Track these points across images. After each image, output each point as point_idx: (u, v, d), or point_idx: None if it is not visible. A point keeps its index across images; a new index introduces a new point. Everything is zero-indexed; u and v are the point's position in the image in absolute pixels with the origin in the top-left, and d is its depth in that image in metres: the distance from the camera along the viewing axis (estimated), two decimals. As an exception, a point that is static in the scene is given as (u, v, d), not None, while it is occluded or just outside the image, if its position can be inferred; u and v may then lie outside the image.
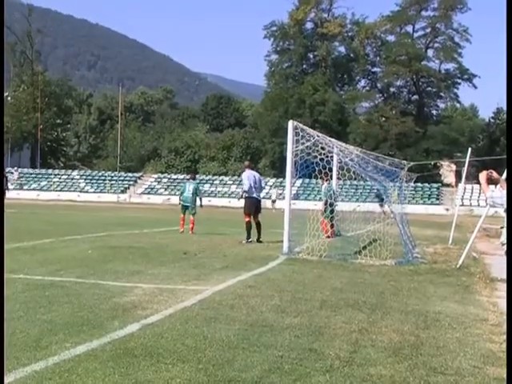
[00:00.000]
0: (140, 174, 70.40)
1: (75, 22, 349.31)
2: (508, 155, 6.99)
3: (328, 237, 17.97)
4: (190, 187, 21.18)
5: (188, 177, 27.12)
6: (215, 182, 66.47)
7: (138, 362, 5.40)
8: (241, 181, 20.27)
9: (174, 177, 68.62)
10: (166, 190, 63.93)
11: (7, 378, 4.85)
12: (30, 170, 64.13)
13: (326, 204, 19.12)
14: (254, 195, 17.85)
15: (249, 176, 17.94)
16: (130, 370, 5.19)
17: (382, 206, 33.13)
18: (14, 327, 6.50)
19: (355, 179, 18.53)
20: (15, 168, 61.83)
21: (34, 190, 59.56)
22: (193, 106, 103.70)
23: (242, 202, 18.54)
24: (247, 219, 17.75)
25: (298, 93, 79.85)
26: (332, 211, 19.16)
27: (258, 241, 17.46)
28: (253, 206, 17.88)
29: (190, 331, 6.58)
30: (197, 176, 31.60)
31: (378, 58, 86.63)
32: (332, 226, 19.45)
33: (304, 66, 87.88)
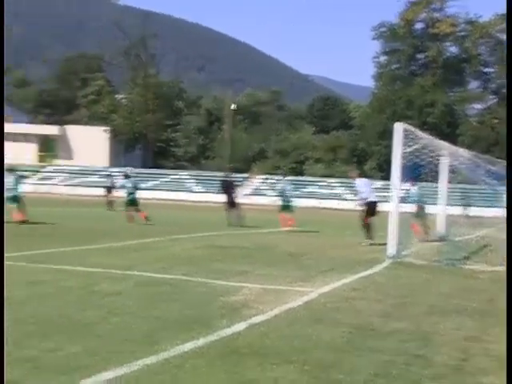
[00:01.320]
0: (247, 174, 71.21)
1: (187, 25, 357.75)
2: (508, 154, 6.69)
3: (425, 240, 18.37)
4: (286, 187, 22.43)
5: (284, 177, 28.60)
6: (321, 184, 66.30)
7: (244, 361, 5.47)
8: (353, 187, 20.54)
9: (283, 178, 68.88)
10: (272, 191, 64.36)
11: (119, 371, 5.04)
12: (142, 170, 66.14)
13: (418, 207, 19.58)
14: (373, 199, 17.86)
15: (364, 183, 18.12)
16: (237, 368, 5.26)
17: (465, 209, 33.35)
18: (127, 322, 6.73)
19: (465, 183, 18.14)
20: (128, 168, 63.94)
21: (145, 189, 61.38)
22: (300, 107, 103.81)
23: (350, 205, 18.64)
24: (366, 221, 17.75)
25: (407, 94, 78.42)
26: (423, 214, 19.60)
27: (367, 242, 17.35)
28: (372, 210, 17.87)
29: (295, 332, 6.60)
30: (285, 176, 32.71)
31: (492, 58, 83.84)
32: (425, 228, 19.64)
33: (413, 67, 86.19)
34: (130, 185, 24.41)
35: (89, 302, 7.76)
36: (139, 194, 24.35)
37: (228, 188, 24.22)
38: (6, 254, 11.65)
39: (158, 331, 6.42)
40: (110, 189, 33.80)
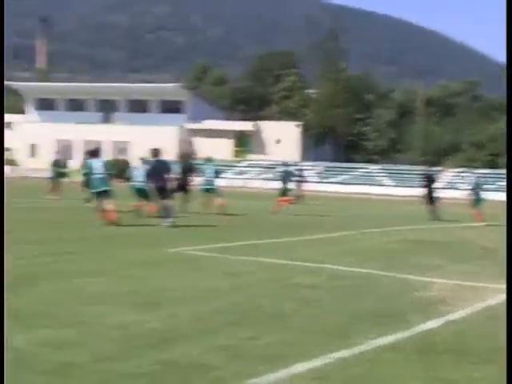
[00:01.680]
0: (440, 167, 69.12)
1: (379, 18, 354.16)
2: (508, 152, 5.75)
3: None
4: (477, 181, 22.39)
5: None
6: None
7: (441, 359, 5.33)
8: None
9: (474, 171, 66.28)
10: (464, 184, 62.02)
11: (314, 363, 5.11)
12: (332, 164, 66.47)
13: None
14: None
15: None
16: (433, 365, 5.14)
17: None
18: (321, 315, 6.81)
19: None
20: (318, 162, 64.55)
21: (335, 183, 61.66)
22: (496, 97, 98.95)
23: None
24: None
25: None
26: None
27: None
28: None
29: (495, 331, 6.31)
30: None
31: None
32: None
33: None
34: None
35: (284, 294, 7.94)
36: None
37: (429, 182, 24.16)
38: (202, 246, 12.25)
39: (351, 325, 6.43)
40: (299, 182, 34.10)
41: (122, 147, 66.68)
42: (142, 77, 73.18)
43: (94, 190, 16.44)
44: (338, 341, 5.78)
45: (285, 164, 27.10)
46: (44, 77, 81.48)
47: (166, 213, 16.40)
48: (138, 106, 72.16)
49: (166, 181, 16.60)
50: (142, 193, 18.55)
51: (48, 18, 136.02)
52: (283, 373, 4.82)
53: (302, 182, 34.55)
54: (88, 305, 6.81)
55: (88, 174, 16.71)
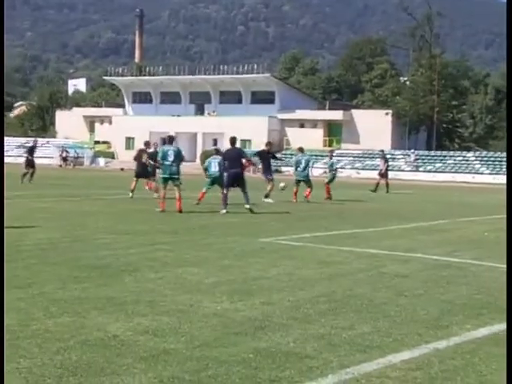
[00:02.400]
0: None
1: (476, 0, 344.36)
2: (508, 151, 5.09)
3: None
4: None
5: None
6: None
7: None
8: None
9: None
10: None
11: (410, 354, 5.05)
12: (426, 152, 65.16)
13: None
14: None
15: None
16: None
17: None
18: (415, 305, 6.72)
19: None
20: (412, 150, 63.44)
21: (429, 171, 60.47)
22: None
23: None
24: None
25: None
26: None
27: None
28: None
29: None
30: None
31: None
32: None
33: None
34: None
35: (378, 283, 7.88)
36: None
37: None
38: (295, 236, 12.28)
39: (447, 315, 6.32)
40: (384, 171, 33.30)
41: (214, 138, 67.54)
42: (233, 68, 73.55)
43: (161, 176, 17.09)
44: (434, 331, 5.69)
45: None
46: (140, 71, 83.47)
47: (224, 201, 16.76)
48: (230, 98, 72.89)
49: (241, 168, 17.02)
50: (216, 181, 18.87)
51: (143, 13, 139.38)
52: (378, 363, 4.80)
53: (385, 170, 33.48)
54: (184, 293, 6.96)
55: (159, 160, 17.27)
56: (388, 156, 63.87)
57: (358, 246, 11.07)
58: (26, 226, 12.54)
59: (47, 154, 72.28)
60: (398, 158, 63.77)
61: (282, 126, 69.80)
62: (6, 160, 65.47)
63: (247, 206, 16.85)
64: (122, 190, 23.02)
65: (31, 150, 28.41)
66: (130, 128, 70.25)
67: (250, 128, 65.41)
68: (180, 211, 16.21)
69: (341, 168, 61.25)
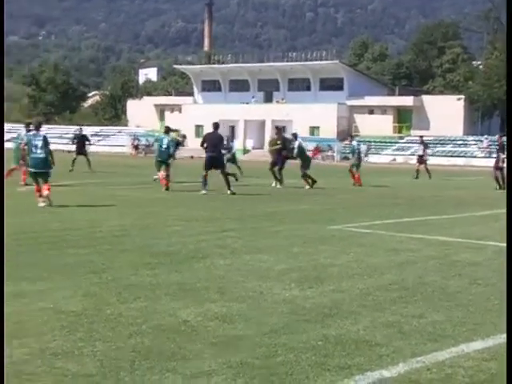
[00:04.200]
0: None
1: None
2: (508, 150, 4.60)
3: None
4: None
5: None
6: None
7: None
8: None
9: None
10: None
11: (484, 343, 4.95)
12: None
13: None
14: None
15: None
16: None
17: None
18: (489, 293, 6.59)
19: None
20: (485, 136, 61.93)
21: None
22: None
23: None
24: None
25: None
26: None
27: None
28: None
29: None
30: None
31: None
32: None
33: None
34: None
35: (449, 271, 7.74)
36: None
37: None
38: (363, 223, 12.18)
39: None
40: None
41: (282, 126, 67.52)
42: (302, 55, 73.29)
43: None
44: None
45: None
46: (209, 59, 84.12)
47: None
48: (299, 85, 72.65)
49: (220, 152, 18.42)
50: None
51: (213, 2, 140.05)
52: (451, 352, 4.72)
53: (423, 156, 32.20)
54: (254, 280, 7.00)
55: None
56: (460, 142, 62.94)
57: (429, 234, 10.89)
58: (97, 214, 12.84)
59: (119, 142, 73.76)
60: (471, 144, 62.39)
61: (351, 112, 69.15)
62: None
63: (228, 192, 17.71)
64: (192, 178, 23.28)
65: (80, 139, 27.71)
66: (199, 116, 70.87)
67: (319, 115, 65.07)
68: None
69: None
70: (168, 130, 21.02)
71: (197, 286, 6.62)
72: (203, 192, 17.70)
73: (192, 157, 53.23)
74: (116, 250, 8.66)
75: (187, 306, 5.86)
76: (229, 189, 17.85)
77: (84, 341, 4.78)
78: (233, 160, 25.55)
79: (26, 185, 18.66)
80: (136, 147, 66.55)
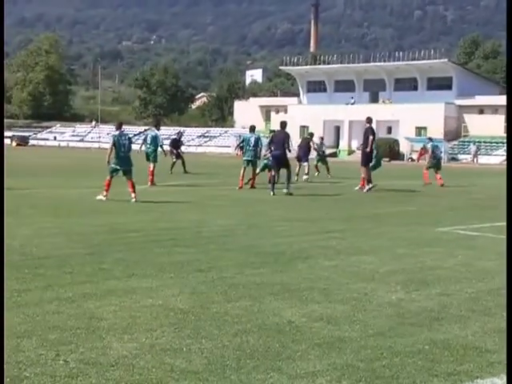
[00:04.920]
0: None
1: None
2: (508, 149, 3.78)
3: None
4: None
5: None
6: None
7: None
8: None
9: None
10: None
11: None
12: None
13: None
14: None
15: None
16: None
17: None
18: None
19: None
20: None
21: None
22: None
23: None
24: None
25: None
26: None
27: None
28: None
29: None
30: None
31: None
32: None
33: None
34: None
35: None
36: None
37: None
38: (473, 225, 11.82)
39: None
40: None
41: (389, 126, 66.59)
42: (409, 54, 72.05)
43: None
44: None
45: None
46: (315, 60, 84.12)
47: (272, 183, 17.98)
48: (405, 84, 71.44)
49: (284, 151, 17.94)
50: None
51: (319, 2, 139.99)
52: None
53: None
54: (359, 281, 6.94)
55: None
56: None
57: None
58: (204, 214, 13.10)
59: (226, 143, 74.92)
60: None
61: (460, 112, 67.35)
62: (189, 149, 68.69)
63: (284, 191, 17.46)
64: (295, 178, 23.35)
65: (175, 143, 27.63)
66: (304, 117, 70.97)
67: (426, 115, 63.74)
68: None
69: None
70: (253, 129, 21.11)
71: (301, 287, 6.63)
72: (271, 193, 17.41)
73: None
74: (221, 249, 8.79)
75: (291, 306, 5.88)
76: (287, 188, 17.68)
77: (191, 338, 4.89)
78: (323, 160, 26.51)
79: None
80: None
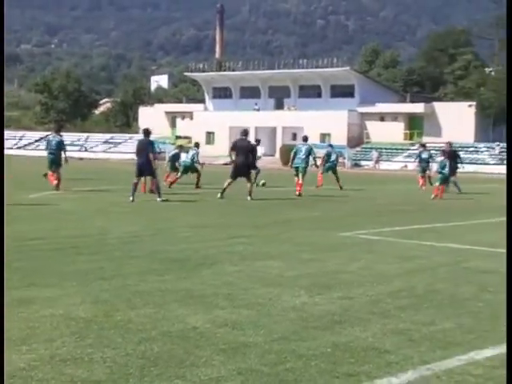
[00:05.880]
0: None
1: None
2: (508, 149, 4.51)
3: None
4: None
5: None
6: None
7: None
8: None
9: None
10: None
11: (494, 351, 4.93)
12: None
13: None
14: None
15: None
16: None
17: None
18: (499, 301, 6.53)
19: None
20: (496, 143, 61.77)
21: (515, 165, 58.92)
22: None
23: None
24: None
25: None
26: None
27: None
28: None
29: None
30: None
31: None
32: None
33: None
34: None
35: (460, 278, 7.72)
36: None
37: None
38: (373, 230, 12.16)
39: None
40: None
41: (294, 132, 67.53)
42: (313, 62, 73.45)
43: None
44: (519, 329, 5.52)
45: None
46: (220, 66, 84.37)
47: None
48: (310, 91, 72.71)
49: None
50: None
51: (224, 9, 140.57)
52: (460, 360, 4.70)
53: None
54: (263, 287, 6.99)
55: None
56: (471, 149, 62.66)
57: (440, 241, 10.86)
58: (109, 221, 12.89)
59: (131, 149, 73.96)
60: (482, 151, 62.19)
61: (362, 119, 69.15)
62: (93, 155, 67.47)
63: (248, 198, 17.82)
64: (203, 185, 23.32)
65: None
66: (210, 123, 71.08)
67: (330, 122, 65.09)
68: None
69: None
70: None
71: (206, 293, 6.62)
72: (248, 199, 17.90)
73: (203, 164, 53.40)
74: (126, 256, 8.68)
75: (196, 312, 5.86)
76: (249, 195, 17.96)
77: (93, 347, 4.79)
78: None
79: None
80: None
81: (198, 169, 23.48)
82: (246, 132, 18.92)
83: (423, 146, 29.42)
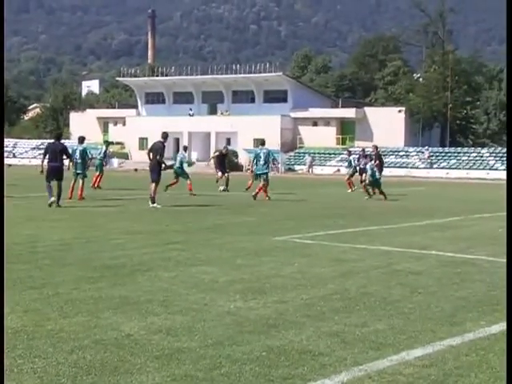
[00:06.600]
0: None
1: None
2: (508, 149, 5.02)
3: None
4: None
5: None
6: None
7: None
8: None
9: None
10: None
11: (424, 350, 5.04)
12: (440, 149, 64.86)
13: None
14: None
15: None
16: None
17: None
18: (429, 302, 6.70)
19: None
20: (425, 147, 63.20)
21: (443, 168, 60.21)
22: None
23: None
24: None
25: None
26: None
27: None
28: None
29: None
30: None
31: None
32: None
33: None
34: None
35: (391, 281, 7.86)
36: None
37: None
38: (307, 234, 12.28)
39: (461, 312, 6.29)
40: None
41: (228, 138, 67.58)
42: (246, 67, 73.73)
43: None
44: (448, 328, 5.67)
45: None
46: (153, 71, 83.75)
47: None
48: (243, 97, 72.93)
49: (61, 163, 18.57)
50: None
51: (155, 14, 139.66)
52: (392, 360, 4.79)
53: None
54: (198, 292, 6.97)
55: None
56: (402, 153, 64.05)
57: (372, 244, 11.04)
58: (39, 228, 12.62)
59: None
60: (412, 155, 63.57)
61: (295, 124, 69.75)
62: (22, 162, 65.97)
63: (52, 199, 17.34)
64: (137, 191, 23.10)
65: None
66: (143, 129, 70.43)
67: (263, 127, 65.36)
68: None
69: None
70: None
71: (140, 300, 6.56)
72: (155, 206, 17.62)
73: (136, 169, 52.89)
74: (57, 264, 8.51)
75: (130, 319, 5.80)
76: (152, 200, 17.81)
77: (23, 358, 4.69)
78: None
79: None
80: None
81: (178, 173, 23.67)
82: (165, 135, 19.34)
83: (350, 152, 30.93)
